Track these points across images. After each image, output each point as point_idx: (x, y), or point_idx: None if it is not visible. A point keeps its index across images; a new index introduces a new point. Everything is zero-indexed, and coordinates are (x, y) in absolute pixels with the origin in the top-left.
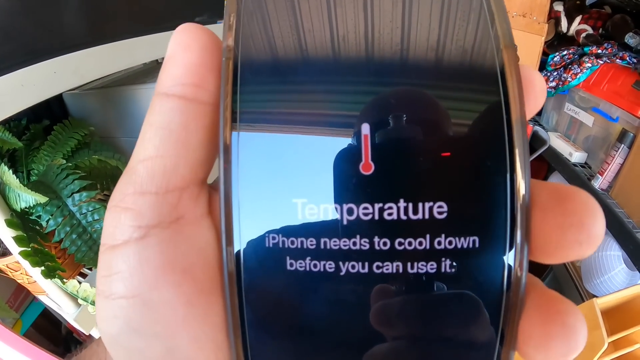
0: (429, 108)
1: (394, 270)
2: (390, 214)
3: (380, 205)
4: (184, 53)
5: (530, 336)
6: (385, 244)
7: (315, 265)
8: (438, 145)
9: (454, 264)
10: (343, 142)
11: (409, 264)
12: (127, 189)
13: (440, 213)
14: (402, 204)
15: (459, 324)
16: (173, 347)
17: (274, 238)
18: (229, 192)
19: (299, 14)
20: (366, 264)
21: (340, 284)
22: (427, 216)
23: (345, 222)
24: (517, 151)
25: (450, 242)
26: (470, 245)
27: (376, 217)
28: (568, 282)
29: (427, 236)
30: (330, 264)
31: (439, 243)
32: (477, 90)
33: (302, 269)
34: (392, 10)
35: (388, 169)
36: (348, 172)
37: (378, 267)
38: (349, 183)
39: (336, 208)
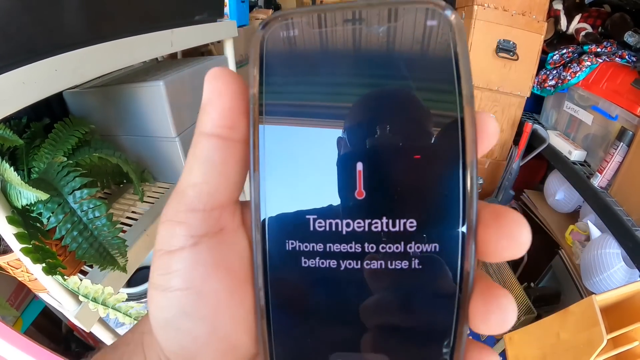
0: (404, 155)
1: (378, 267)
2: (376, 227)
3: (369, 220)
4: (218, 99)
5: (476, 313)
6: (372, 248)
7: (322, 263)
8: (411, 180)
9: (421, 263)
10: (343, 176)
11: (389, 262)
12: (179, 207)
13: (411, 227)
14: (384, 220)
15: (426, 307)
16: (216, 326)
17: (292, 243)
18: (258, 210)
19: (311, 68)
20: (358, 261)
21: (340, 275)
22: (402, 229)
23: (344, 233)
24: (469, 185)
25: (418, 247)
26: (433, 250)
27: (366, 229)
28: (567, 280)
29: (402, 243)
30: (333, 262)
31: (410, 248)
32: (442, 140)
33: (313, 265)
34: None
35: (375, 195)
36: (347, 197)
37: (367, 264)
38: (347, 205)
39: (338, 222)
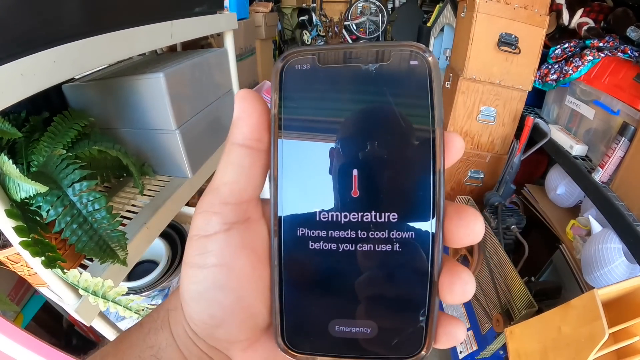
0: (389, 164)
1: (368, 249)
2: (367, 218)
3: (362, 213)
4: (248, 117)
5: (444, 285)
6: (364, 234)
7: (325, 246)
8: (394, 183)
9: (401, 246)
10: (343, 179)
11: (376, 246)
12: (214, 200)
13: (393, 218)
14: (373, 213)
15: (406, 282)
16: (241, 296)
17: (302, 230)
18: (276, 204)
19: (318, 95)
20: (353, 244)
21: (339, 255)
22: (386, 220)
23: (342, 222)
24: (438, 187)
25: (399, 234)
26: (410, 236)
27: (359, 219)
28: (568, 274)
29: (386, 230)
30: (333, 245)
31: (392, 234)
32: (418, 153)
33: (318, 247)
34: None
35: (366, 194)
36: (345, 195)
37: (360, 246)
38: (345, 201)
39: (338, 214)
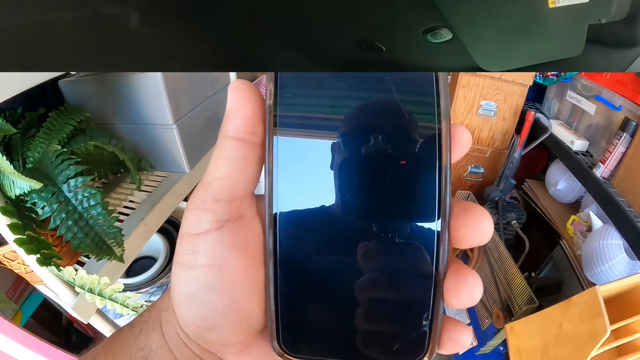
0: (392, 160)
1: (369, 249)
2: (367, 218)
3: (362, 212)
4: (241, 108)
5: (449, 288)
6: (364, 233)
7: (323, 245)
8: (397, 180)
9: (405, 249)
10: (342, 176)
11: (378, 245)
12: (205, 197)
13: (396, 217)
14: (374, 210)
15: (409, 286)
16: (234, 298)
17: (298, 228)
18: (270, 201)
19: (317, 86)
20: (353, 246)
21: (338, 255)
22: (388, 218)
23: (342, 222)
24: (444, 183)
25: (401, 234)
26: (414, 236)
27: (360, 219)
28: (568, 270)
29: (388, 229)
30: (332, 247)
31: (395, 233)
32: (422, 148)
33: (316, 247)
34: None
35: (368, 192)
36: (345, 193)
37: (360, 249)
38: (345, 200)
39: (337, 214)
